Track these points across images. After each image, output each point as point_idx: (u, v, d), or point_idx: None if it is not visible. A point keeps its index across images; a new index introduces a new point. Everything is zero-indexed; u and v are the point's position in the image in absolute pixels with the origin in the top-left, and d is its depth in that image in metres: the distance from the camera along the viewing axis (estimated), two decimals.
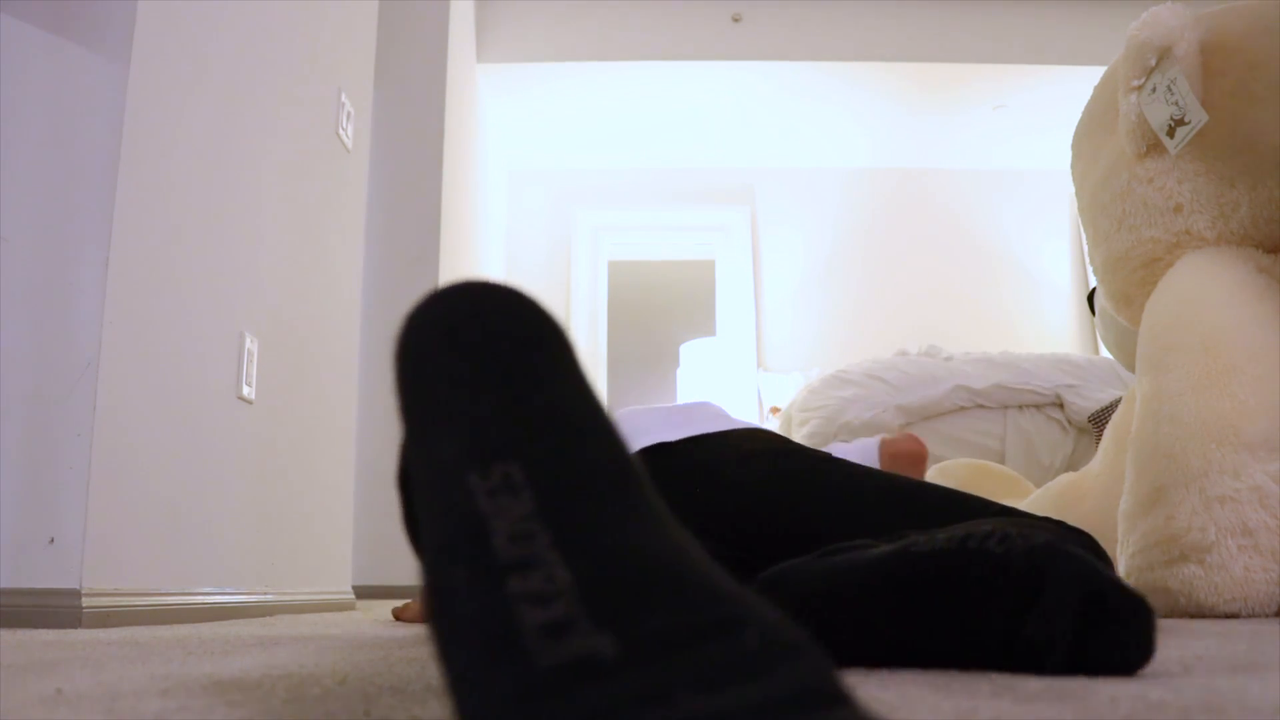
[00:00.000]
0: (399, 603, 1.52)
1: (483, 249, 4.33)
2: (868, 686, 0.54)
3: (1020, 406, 2.90)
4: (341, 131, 2.20)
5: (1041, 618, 0.56)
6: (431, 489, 0.35)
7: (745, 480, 0.98)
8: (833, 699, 0.27)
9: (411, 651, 0.87)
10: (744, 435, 1.05)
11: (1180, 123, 1.57)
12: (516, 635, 0.29)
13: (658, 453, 1.03)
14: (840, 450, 1.48)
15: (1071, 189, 1.98)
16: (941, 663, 0.62)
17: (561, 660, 0.28)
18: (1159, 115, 1.60)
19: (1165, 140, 1.60)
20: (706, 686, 0.27)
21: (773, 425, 3.63)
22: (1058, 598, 0.56)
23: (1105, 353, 4.28)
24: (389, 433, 3.09)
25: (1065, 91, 4.30)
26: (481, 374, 0.36)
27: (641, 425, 1.08)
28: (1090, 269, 1.92)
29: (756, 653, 0.29)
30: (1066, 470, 2.72)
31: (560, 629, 0.29)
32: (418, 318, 0.39)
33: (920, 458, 1.53)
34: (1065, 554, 0.57)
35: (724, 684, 0.28)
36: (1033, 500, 1.80)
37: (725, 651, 0.29)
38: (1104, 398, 2.81)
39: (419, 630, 1.25)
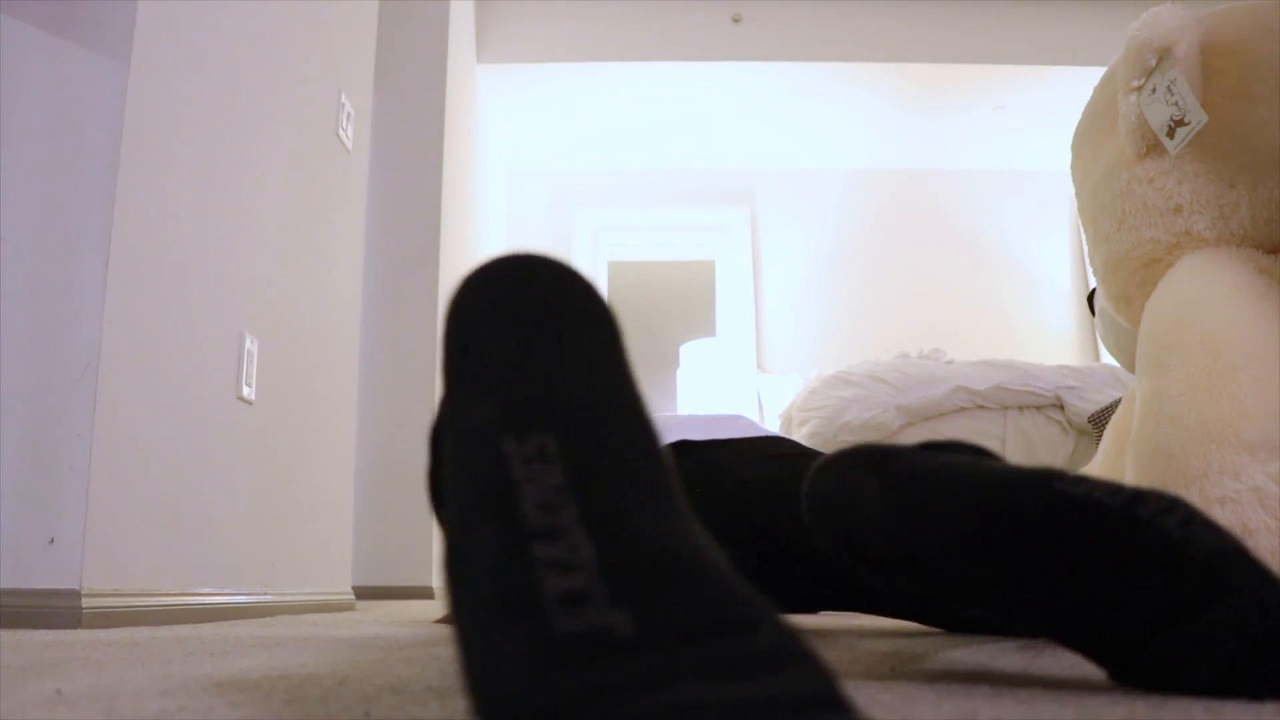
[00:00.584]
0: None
1: (483, 249, 4.33)
2: (868, 688, 0.54)
3: (1020, 407, 2.90)
4: (341, 132, 2.20)
5: (1200, 631, 0.47)
6: (466, 448, 0.35)
7: (758, 478, 1.01)
8: (835, 706, 0.28)
9: (411, 652, 0.87)
10: (767, 441, 1.08)
11: (1180, 123, 1.57)
12: (536, 598, 0.29)
13: (680, 448, 1.06)
14: None
15: (1071, 189, 1.98)
16: (1009, 624, 0.58)
17: (577, 630, 0.29)
18: (1159, 116, 1.60)
19: (1165, 141, 1.60)
20: (714, 678, 0.28)
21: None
22: (1234, 617, 0.46)
23: (1105, 355, 4.28)
24: (389, 433, 3.09)
25: (1065, 92, 4.31)
26: (529, 345, 0.37)
27: (671, 426, 1.12)
28: (1090, 269, 1.92)
29: (766, 654, 0.29)
30: None
31: (579, 600, 0.29)
32: (473, 282, 0.39)
33: None
34: (1258, 569, 0.48)
35: (731, 678, 0.28)
36: None
37: (736, 648, 0.29)
38: (1104, 399, 2.81)
39: (419, 631, 1.25)
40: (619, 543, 0.31)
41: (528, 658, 0.28)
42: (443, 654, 0.84)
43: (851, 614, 1.36)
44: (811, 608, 1.08)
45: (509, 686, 0.28)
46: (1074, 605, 0.50)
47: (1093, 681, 0.55)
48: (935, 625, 1.02)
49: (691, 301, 6.24)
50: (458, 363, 0.37)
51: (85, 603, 1.17)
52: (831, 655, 0.78)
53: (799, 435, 2.95)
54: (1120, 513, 0.49)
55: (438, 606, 1.99)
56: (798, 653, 0.30)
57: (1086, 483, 0.51)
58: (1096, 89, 1.86)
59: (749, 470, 1.03)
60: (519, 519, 0.32)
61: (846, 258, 5.17)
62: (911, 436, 2.88)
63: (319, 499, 2.03)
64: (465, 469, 0.34)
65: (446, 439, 0.36)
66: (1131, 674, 0.50)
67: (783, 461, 1.05)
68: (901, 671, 0.63)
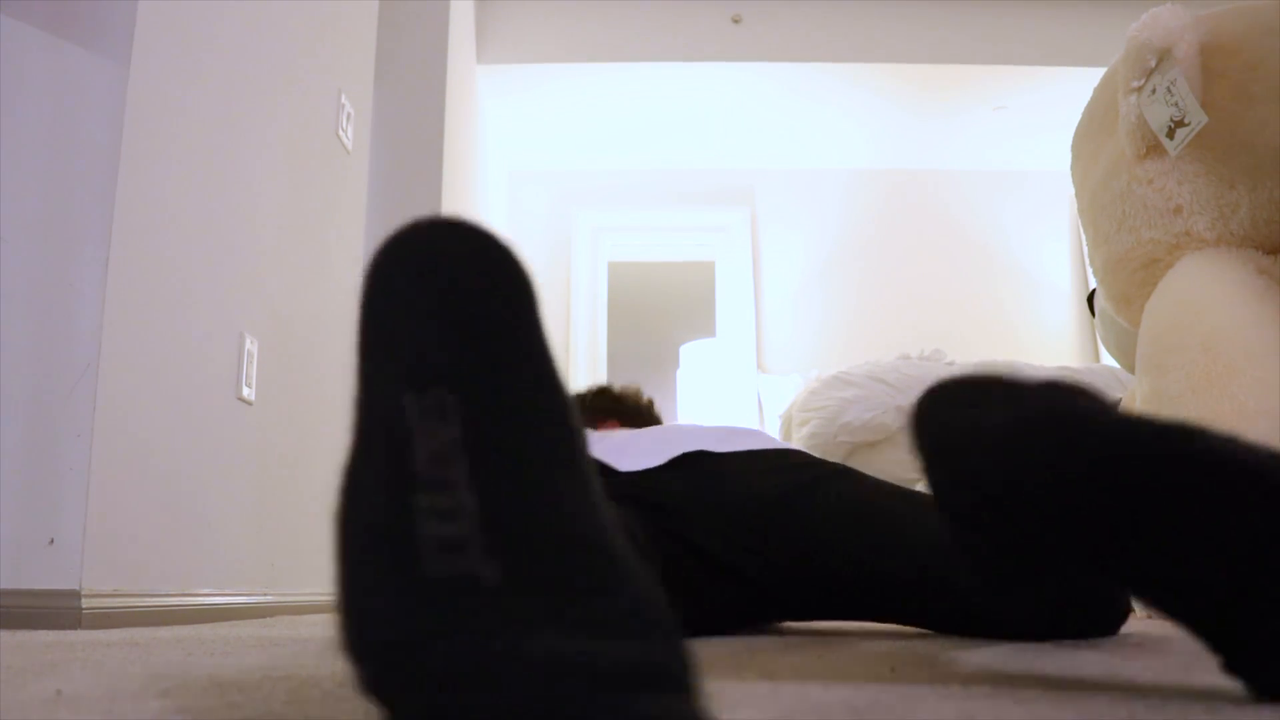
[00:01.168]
0: None
1: None
2: (868, 688, 0.54)
3: None
4: (341, 132, 2.20)
5: None
6: (366, 401, 0.36)
7: (770, 487, 1.05)
8: (675, 683, 0.28)
9: None
10: (780, 454, 1.12)
11: (1180, 124, 1.57)
12: (411, 542, 0.31)
13: (698, 457, 1.10)
14: None
15: (1071, 190, 1.98)
16: (1117, 585, 0.56)
17: (446, 574, 0.30)
18: (1159, 116, 1.60)
19: (1165, 141, 1.60)
20: (567, 632, 0.29)
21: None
22: None
23: (1106, 356, 4.28)
24: None
25: (1065, 92, 4.31)
26: (438, 305, 0.37)
27: (693, 434, 1.16)
28: (1090, 270, 1.92)
29: (624, 617, 0.30)
30: None
31: (454, 547, 0.31)
32: (389, 247, 0.39)
33: None
34: None
35: (585, 633, 0.29)
36: None
37: (598, 608, 0.30)
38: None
39: None
40: (503, 499, 0.32)
41: (398, 599, 0.30)
42: None
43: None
44: (817, 615, 1.09)
45: (371, 621, 0.30)
46: (1197, 572, 0.46)
47: (1093, 682, 0.55)
48: (934, 629, 1.02)
49: (691, 302, 6.24)
50: (368, 323, 0.38)
51: (85, 603, 1.17)
52: (832, 655, 0.78)
53: (799, 436, 2.95)
54: (1272, 479, 0.45)
55: None
56: (657, 622, 0.30)
57: (1234, 443, 0.47)
58: (1096, 90, 1.86)
59: (762, 480, 1.06)
60: (406, 468, 0.32)
61: (847, 258, 5.17)
62: (904, 440, 2.88)
63: (319, 499, 2.03)
64: (361, 421, 0.35)
65: (353, 395, 0.37)
66: (1242, 653, 0.47)
67: (794, 471, 1.08)
68: (901, 672, 0.63)
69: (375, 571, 0.31)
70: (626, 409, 1.77)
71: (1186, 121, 1.56)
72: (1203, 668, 0.64)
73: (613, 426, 1.74)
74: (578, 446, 0.36)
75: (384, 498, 0.32)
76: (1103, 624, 0.92)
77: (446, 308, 0.37)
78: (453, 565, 0.30)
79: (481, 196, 4.30)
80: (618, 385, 1.84)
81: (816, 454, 1.64)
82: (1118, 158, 1.72)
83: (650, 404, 1.79)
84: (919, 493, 1.06)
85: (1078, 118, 1.92)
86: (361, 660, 0.31)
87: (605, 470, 1.12)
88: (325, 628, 1.31)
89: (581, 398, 1.78)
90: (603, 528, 0.34)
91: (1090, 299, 2.18)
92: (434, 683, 0.28)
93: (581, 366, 4.71)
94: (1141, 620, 1.31)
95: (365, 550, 0.32)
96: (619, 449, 1.16)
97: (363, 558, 0.32)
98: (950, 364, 3.12)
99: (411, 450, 0.33)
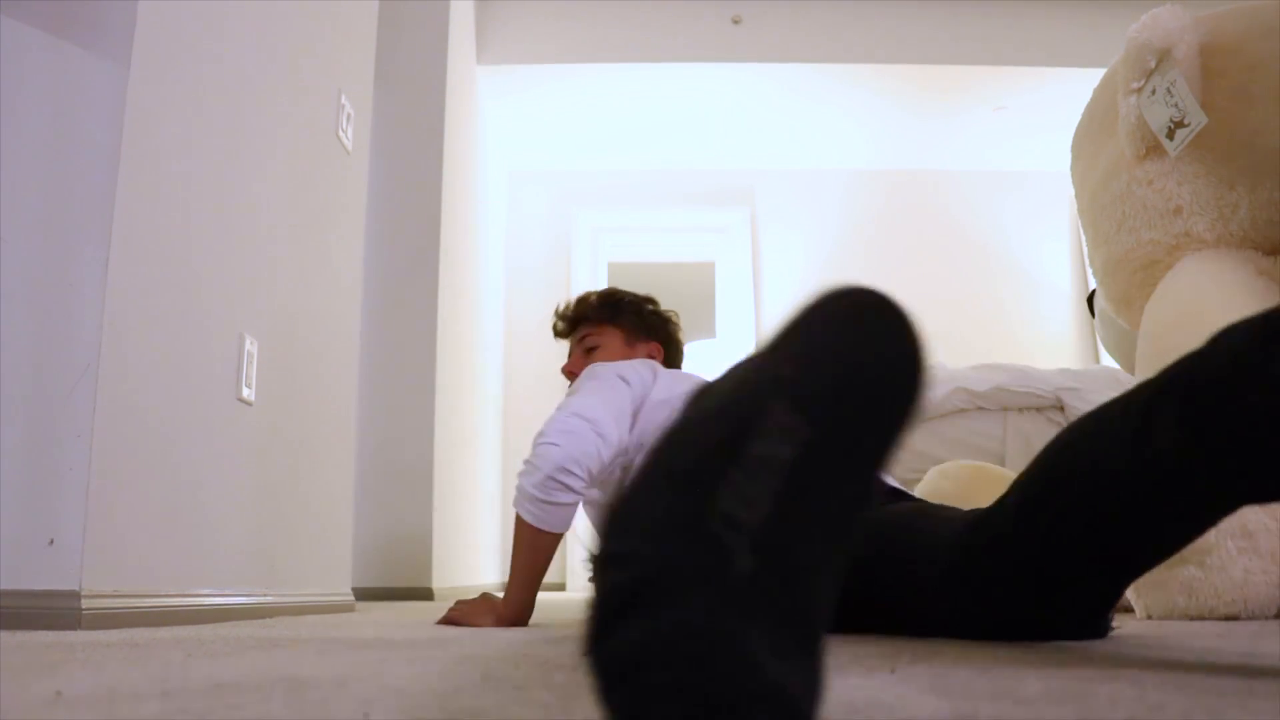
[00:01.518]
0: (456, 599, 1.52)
1: (482, 250, 4.33)
2: (869, 688, 0.54)
3: (1020, 409, 2.89)
4: (341, 133, 2.20)
5: None
6: (742, 380, 0.40)
7: (892, 513, 1.10)
8: None
9: (411, 653, 0.87)
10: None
11: (1180, 124, 1.57)
12: (709, 494, 0.35)
13: None
14: None
15: (1071, 190, 1.98)
16: None
17: (716, 534, 0.34)
18: (1158, 117, 1.60)
19: (1165, 142, 1.60)
20: (766, 646, 0.32)
21: None
22: None
23: (1106, 357, 4.27)
24: (389, 434, 3.09)
25: (1065, 93, 4.31)
26: (846, 355, 0.41)
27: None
28: (1090, 271, 1.92)
29: (805, 675, 0.34)
30: None
31: (734, 525, 0.35)
32: (821, 294, 0.44)
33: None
34: None
35: (774, 656, 0.33)
36: None
37: (792, 655, 0.34)
38: (1104, 400, 2.81)
39: (419, 633, 1.25)
40: (787, 531, 0.36)
41: (668, 513, 0.34)
42: (442, 655, 0.84)
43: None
44: (923, 632, 1.05)
45: (637, 521, 0.34)
46: None
47: (1093, 682, 0.55)
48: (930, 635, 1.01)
49: (691, 303, 6.22)
50: (786, 331, 0.42)
51: (85, 604, 1.17)
52: (831, 655, 0.78)
53: None
54: None
55: (437, 608, 1.99)
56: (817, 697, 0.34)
57: None
58: (1096, 90, 1.87)
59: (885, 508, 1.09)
60: (741, 448, 0.36)
61: (847, 259, 5.17)
62: (911, 437, 2.88)
63: (319, 500, 2.03)
64: (728, 390, 0.39)
65: (727, 370, 0.41)
66: None
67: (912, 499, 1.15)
68: (902, 672, 0.63)
69: (666, 491, 0.35)
70: (673, 340, 1.78)
71: (1186, 122, 1.56)
72: (1202, 667, 0.64)
73: (654, 350, 1.74)
74: (858, 537, 0.40)
75: (709, 452, 0.36)
76: (1091, 630, 0.93)
77: (849, 362, 0.40)
78: (724, 533, 0.34)
79: (481, 197, 4.30)
80: (663, 306, 1.81)
81: None
82: (1118, 158, 1.72)
83: (681, 341, 1.81)
84: (916, 496, 1.06)
85: (1078, 118, 1.92)
86: (613, 544, 0.35)
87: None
88: (325, 629, 1.31)
89: (635, 304, 1.77)
90: (826, 609, 0.37)
91: (1090, 299, 2.18)
92: (652, 598, 0.32)
93: None
94: (1141, 621, 1.32)
95: (668, 477, 0.36)
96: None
97: (661, 481, 0.36)
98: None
99: (750, 440, 0.36)
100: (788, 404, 0.38)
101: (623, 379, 1.46)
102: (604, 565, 0.35)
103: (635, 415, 1.44)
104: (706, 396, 0.39)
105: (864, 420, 0.39)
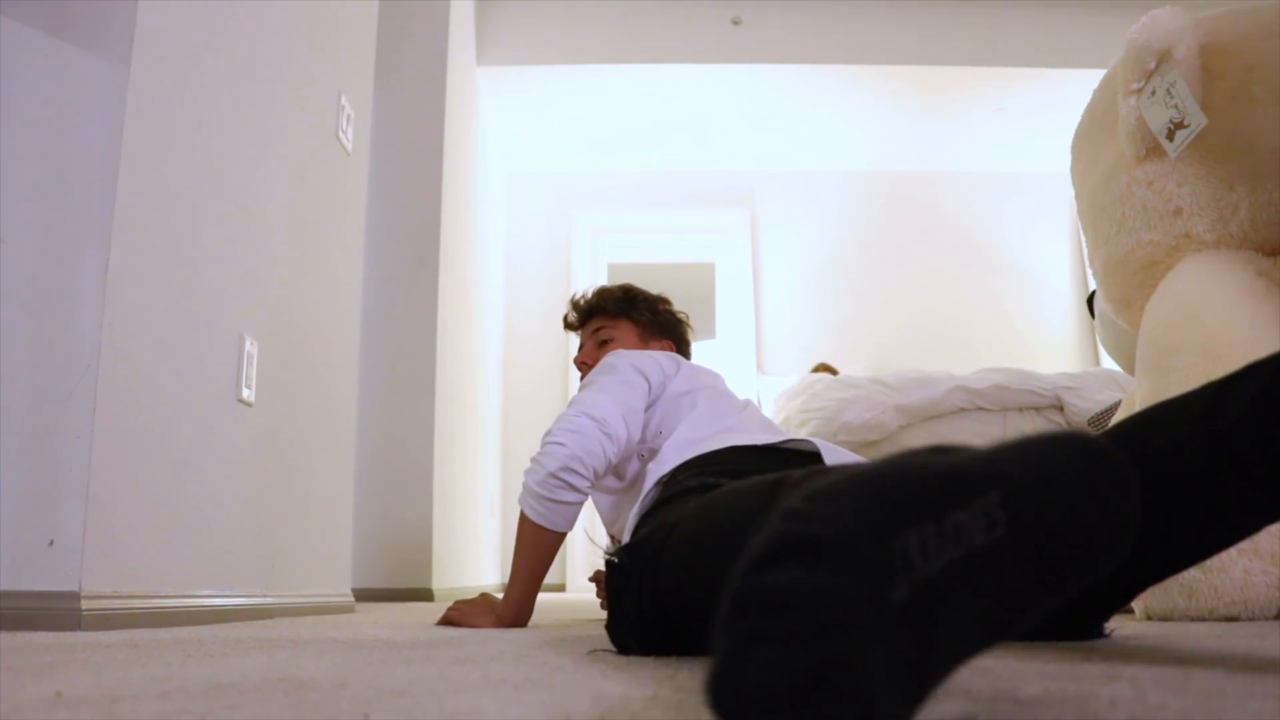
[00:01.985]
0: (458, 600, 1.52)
1: (482, 251, 4.33)
2: None
3: (1020, 408, 2.89)
4: (341, 134, 2.20)
5: None
6: (975, 458, 0.41)
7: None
8: None
9: (411, 654, 0.87)
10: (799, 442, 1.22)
11: (1180, 125, 1.57)
12: (894, 535, 0.37)
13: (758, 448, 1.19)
14: None
15: (1071, 191, 1.98)
16: None
17: (891, 563, 0.37)
18: (1158, 118, 1.60)
19: (1165, 143, 1.60)
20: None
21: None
22: None
23: (1105, 358, 4.27)
24: (389, 435, 3.09)
25: (1065, 94, 4.31)
26: (1049, 471, 0.42)
27: (760, 424, 1.40)
28: (1090, 272, 1.92)
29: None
30: None
31: (908, 565, 0.37)
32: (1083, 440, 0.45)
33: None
34: None
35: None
36: None
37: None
38: (1103, 399, 2.81)
39: (419, 634, 1.25)
40: (943, 593, 0.38)
41: (859, 522, 0.37)
42: (442, 656, 0.84)
43: None
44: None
45: (829, 520, 0.37)
46: None
47: (1093, 682, 0.55)
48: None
49: (691, 304, 6.22)
50: (1027, 443, 0.43)
51: (85, 605, 1.17)
52: None
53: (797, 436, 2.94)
54: None
55: (437, 609, 1.99)
56: None
57: None
58: (1096, 91, 1.86)
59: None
60: (940, 509, 0.38)
61: (847, 260, 5.17)
62: (910, 438, 2.88)
63: (319, 501, 2.03)
64: (956, 463, 0.40)
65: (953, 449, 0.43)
66: None
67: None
68: None
69: (869, 502, 0.38)
70: (684, 341, 1.81)
71: (1186, 123, 1.56)
72: (1202, 667, 0.64)
73: (666, 348, 1.76)
74: (992, 645, 0.43)
75: (920, 499, 0.38)
76: (1090, 631, 0.93)
77: (1067, 495, 0.41)
78: (897, 561, 0.36)
79: (481, 198, 4.30)
80: (675, 306, 1.84)
81: None
82: (1117, 159, 1.72)
83: (690, 342, 1.84)
84: None
85: (1077, 119, 1.92)
86: (805, 503, 0.38)
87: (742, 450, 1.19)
88: (325, 630, 1.31)
89: (651, 302, 1.79)
90: (936, 680, 0.39)
91: (1090, 300, 2.18)
92: (815, 558, 0.35)
93: None
94: (1141, 622, 1.31)
95: (876, 494, 0.38)
96: (735, 423, 1.37)
97: (872, 493, 0.38)
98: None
99: (956, 509, 0.38)
100: (1000, 497, 0.39)
101: (641, 372, 1.47)
102: (788, 515, 0.37)
103: (655, 404, 1.46)
104: (945, 453, 0.42)
105: (1056, 547, 0.41)
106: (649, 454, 1.44)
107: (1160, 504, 0.77)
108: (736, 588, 0.35)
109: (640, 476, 1.43)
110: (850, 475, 0.40)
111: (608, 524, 1.60)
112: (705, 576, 0.73)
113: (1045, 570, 0.41)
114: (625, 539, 1.12)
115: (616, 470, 1.47)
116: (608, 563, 0.97)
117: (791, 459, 1.17)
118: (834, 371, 3.95)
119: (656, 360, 1.51)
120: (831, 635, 0.33)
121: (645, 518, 1.08)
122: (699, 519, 0.81)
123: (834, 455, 1.16)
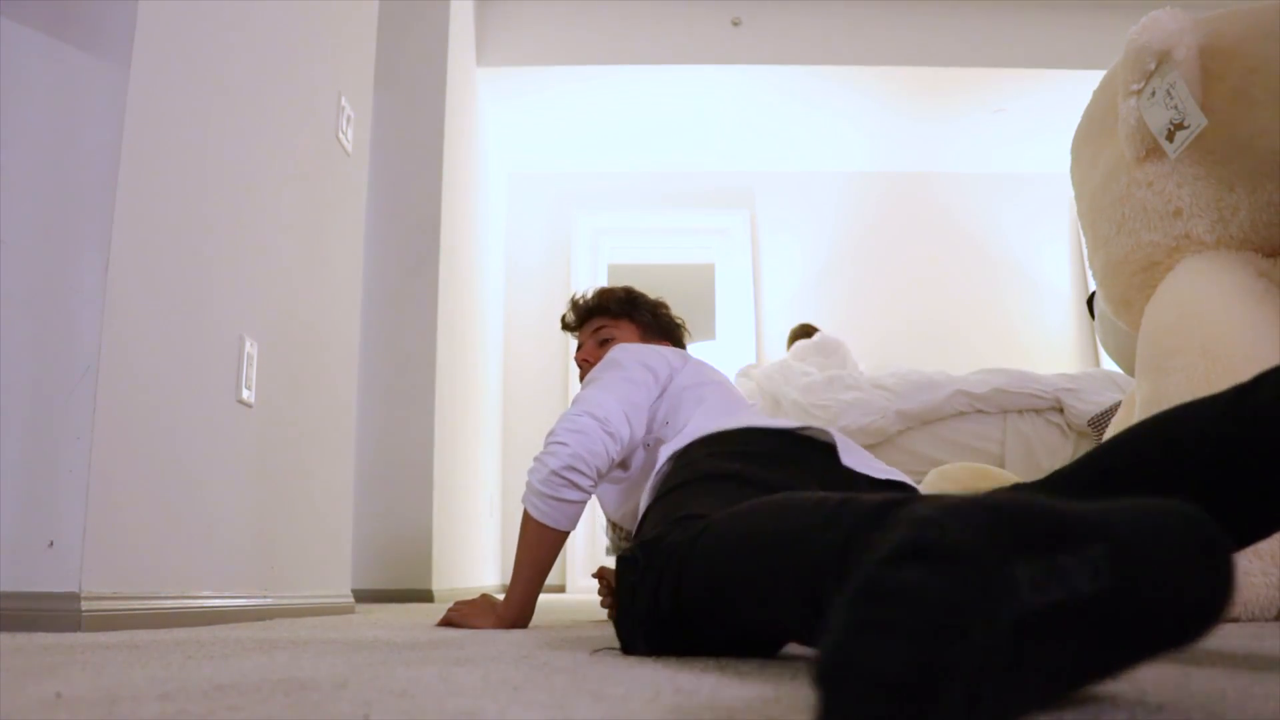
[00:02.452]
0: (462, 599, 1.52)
1: (483, 252, 4.33)
2: None
3: (1020, 411, 2.90)
4: (341, 135, 2.20)
5: None
6: (1095, 508, 0.43)
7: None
8: None
9: (411, 655, 0.87)
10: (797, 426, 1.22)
11: (1179, 126, 1.57)
12: (1011, 569, 0.39)
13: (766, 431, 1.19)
14: None
15: (1071, 193, 1.98)
16: None
17: (1006, 583, 0.39)
18: (1158, 119, 1.60)
19: (1164, 144, 1.60)
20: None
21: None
22: None
23: (1106, 359, 4.27)
24: (389, 435, 3.09)
25: (1065, 95, 4.31)
26: (1167, 545, 0.44)
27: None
28: (1090, 273, 1.92)
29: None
30: None
31: (1010, 591, 0.38)
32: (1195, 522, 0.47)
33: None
34: None
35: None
36: None
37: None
38: (1103, 401, 2.81)
39: (418, 635, 1.25)
40: (1034, 630, 0.39)
41: (979, 542, 0.39)
42: (442, 656, 0.84)
43: None
44: None
45: (950, 537, 0.39)
46: None
47: (1092, 684, 0.55)
48: None
49: (691, 305, 6.22)
50: (1144, 507, 0.45)
51: (85, 606, 1.17)
52: None
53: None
54: None
55: (437, 610, 1.99)
56: None
57: None
58: (1096, 92, 1.87)
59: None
60: (1050, 545, 0.40)
61: (847, 261, 5.17)
62: (911, 440, 2.88)
63: (319, 502, 2.03)
64: (1077, 507, 0.43)
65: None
66: None
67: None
68: None
69: (989, 524, 0.40)
70: (681, 345, 1.82)
71: (1186, 124, 1.56)
72: (1201, 668, 0.64)
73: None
74: (1059, 699, 0.46)
75: (1037, 534, 0.40)
76: None
77: (1170, 561, 0.43)
78: (1003, 586, 0.38)
79: (481, 199, 4.30)
80: (672, 309, 1.86)
81: None
82: (1117, 160, 1.72)
83: (686, 346, 1.85)
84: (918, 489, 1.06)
85: (1077, 120, 1.92)
86: (936, 513, 0.40)
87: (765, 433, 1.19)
88: (324, 630, 1.31)
89: (652, 305, 1.81)
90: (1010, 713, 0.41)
91: (1090, 302, 2.18)
92: (944, 565, 0.37)
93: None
94: None
95: (1001, 521, 0.40)
96: (746, 416, 1.33)
97: (997, 518, 0.40)
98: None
99: (1067, 552, 0.40)
100: (1109, 550, 0.41)
101: (647, 368, 1.48)
102: (921, 522, 0.40)
103: (660, 397, 1.47)
104: (1069, 499, 0.44)
105: (1153, 609, 0.43)
106: (654, 443, 1.44)
107: (1192, 489, 0.75)
108: (865, 577, 0.37)
109: (647, 465, 1.44)
110: (969, 499, 0.42)
111: (610, 513, 1.60)
112: (754, 583, 0.71)
113: (1139, 629, 0.43)
114: (641, 511, 1.13)
115: (621, 463, 1.48)
116: (620, 559, 0.95)
117: (805, 446, 1.16)
118: (812, 330, 3.90)
119: (663, 354, 1.52)
120: (946, 637, 0.35)
121: (657, 501, 1.08)
122: (742, 523, 0.77)
123: (850, 449, 1.15)
